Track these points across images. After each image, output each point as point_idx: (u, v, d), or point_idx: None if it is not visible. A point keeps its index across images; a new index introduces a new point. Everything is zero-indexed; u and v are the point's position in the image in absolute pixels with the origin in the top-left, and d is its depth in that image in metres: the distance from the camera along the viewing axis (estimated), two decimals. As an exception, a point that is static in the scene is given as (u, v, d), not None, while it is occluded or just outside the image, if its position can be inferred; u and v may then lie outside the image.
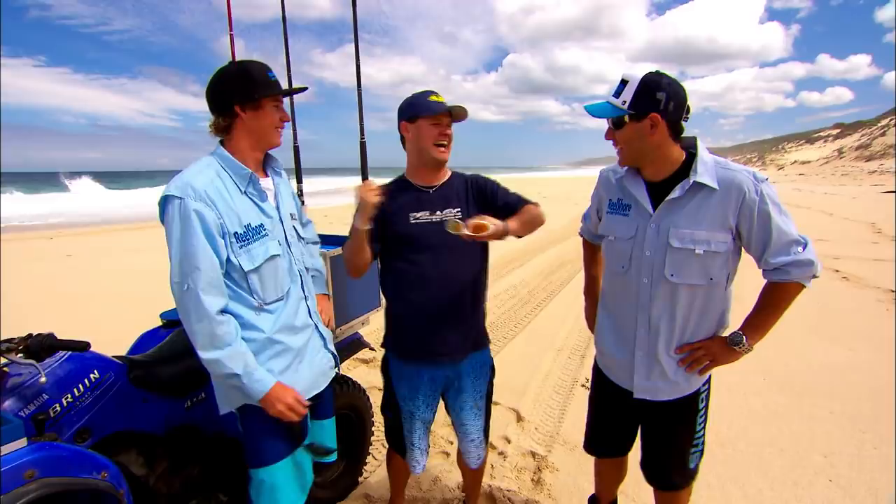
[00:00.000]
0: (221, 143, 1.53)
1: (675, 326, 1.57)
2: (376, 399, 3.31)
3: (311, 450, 1.65)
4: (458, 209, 1.83)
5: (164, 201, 1.39)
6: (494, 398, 2.15)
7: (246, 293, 1.48)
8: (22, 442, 1.20)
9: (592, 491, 2.16)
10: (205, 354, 1.39)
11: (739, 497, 2.43)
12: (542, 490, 2.49)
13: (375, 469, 2.65)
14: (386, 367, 2.01)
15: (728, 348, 1.54)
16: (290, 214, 1.67)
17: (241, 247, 1.45)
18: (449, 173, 1.91)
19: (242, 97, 1.46)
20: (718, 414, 3.18)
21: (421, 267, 1.80)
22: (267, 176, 1.63)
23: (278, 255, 1.54)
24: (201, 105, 1.54)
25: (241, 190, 1.49)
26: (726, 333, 1.58)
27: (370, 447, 2.61)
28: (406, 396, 1.93)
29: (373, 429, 2.57)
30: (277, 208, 1.60)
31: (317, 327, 1.69)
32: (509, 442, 2.91)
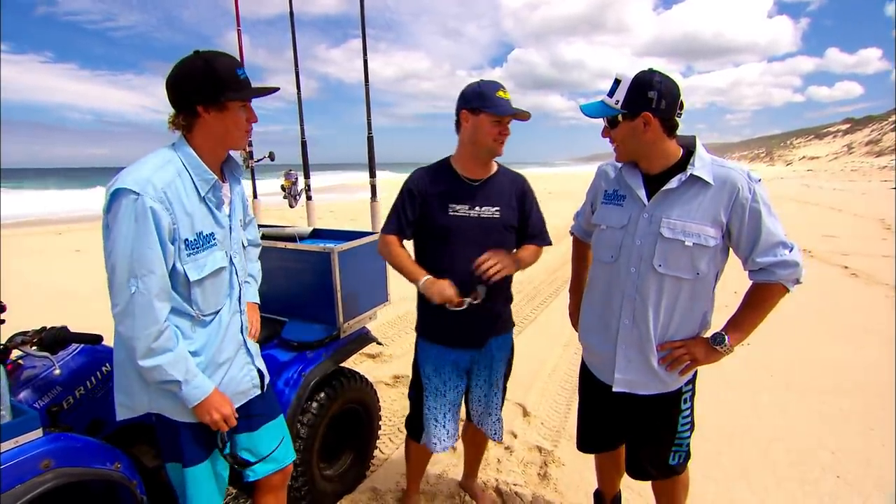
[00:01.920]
0: (184, 136, 1.41)
1: (659, 319, 1.57)
2: (383, 394, 3.34)
3: (234, 462, 1.57)
4: (498, 208, 1.87)
5: (117, 194, 1.25)
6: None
7: (185, 303, 1.38)
8: (38, 432, 1.22)
9: (598, 485, 2.17)
10: (145, 362, 1.28)
11: (746, 493, 2.43)
12: (549, 484, 2.50)
13: (382, 463, 2.66)
14: (416, 348, 2.06)
15: (710, 348, 1.56)
16: (239, 221, 1.59)
17: (189, 255, 1.35)
18: (496, 167, 1.93)
19: (206, 98, 1.34)
20: (725, 410, 3.17)
21: (453, 259, 1.83)
22: (225, 181, 1.53)
23: (224, 267, 1.46)
24: (170, 110, 1.39)
25: (199, 195, 1.39)
26: (708, 334, 1.60)
27: (377, 441, 2.63)
28: (430, 375, 1.97)
29: (380, 423, 2.58)
30: (230, 216, 1.52)
31: (245, 343, 1.58)
32: (516, 437, 2.92)
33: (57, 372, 1.43)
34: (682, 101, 1.49)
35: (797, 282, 1.48)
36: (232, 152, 1.55)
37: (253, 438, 1.64)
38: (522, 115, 1.79)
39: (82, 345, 1.59)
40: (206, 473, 1.52)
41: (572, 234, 2.01)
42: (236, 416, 1.49)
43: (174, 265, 1.33)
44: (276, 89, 1.51)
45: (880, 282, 6.17)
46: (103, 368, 1.62)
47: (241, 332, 1.57)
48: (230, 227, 1.51)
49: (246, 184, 1.77)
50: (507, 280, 1.98)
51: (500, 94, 1.75)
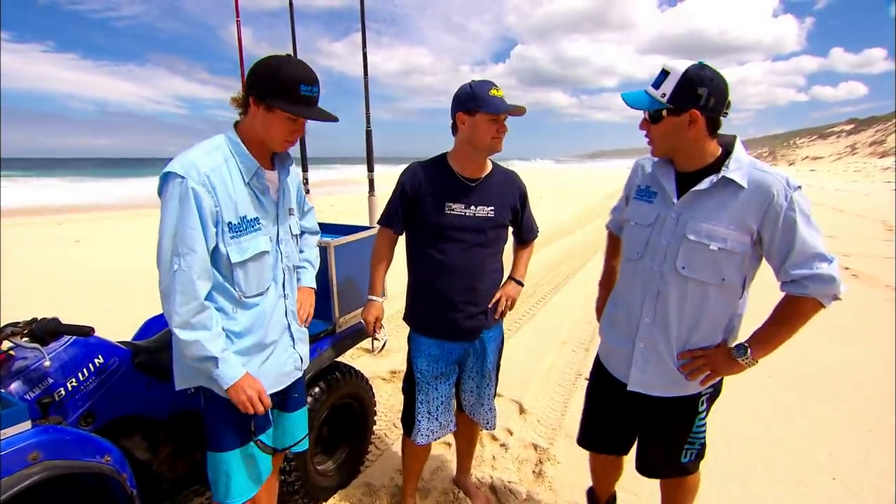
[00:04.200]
0: (236, 124, 1.49)
1: (682, 322, 1.53)
2: (379, 389, 3.33)
3: (262, 449, 1.62)
4: (493, 208, 1.90)
5: (166, 177, 1.35)
6: (497, 390, 2.20)
7: (228, 284, 1.45)
8: (26, 424, 1.21)
9: (592, 484, 2.14)
10: (185, 335, 1.35)
11: (742, 494, 2.42)
12: (544, 482, 2.49)
13: (377, 458, 2.66)
14: (409, 341, 2.08)
15: (730, 359, 1.50)
16: (290, 210, 1.64)
17: (232, 237, 1.41)
18: (490, 166, 1.95)
19: (258, 93, 1.40)
20: (722, 411, 3.14)
21: (447, 256, 1.87)
22: (274, 168, 1.58)
23: (267, 251, 1.51)
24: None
25: (244, 180, 1.45)
26: (734, 343, 1.54)
27: (373, 436, 2.62)
28: (423, 368, 1.99)
29: (375, 418, 2.57)
30: (277, 204, 1.57)
31: (289, 327, 1.65)
32: (511, 434, 2.91)
33: (47, 363, 1.42)
34: (729, 101, 1.42)
35: (835, 298, 1.39)
36: None
37: (286, 419, 1.73)
38: (517, 111, 1.79)
39: (74, 337, 1.57)
40: (251, 454, 1.58)
41: (608, 228, 1.98)
42: (267, 403, 1.52)
43: (217, 246, 1.40)
44: (335, 119, 1.49)
45: (881, 283, 6.15)
46: (96, 360, 1.61)
47: (286, 317, 1.63)
48: (277, 214, 1.56)
49: None
50: (500, 275, 2.03)
51: (493, 92, 1.76)
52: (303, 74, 1.41)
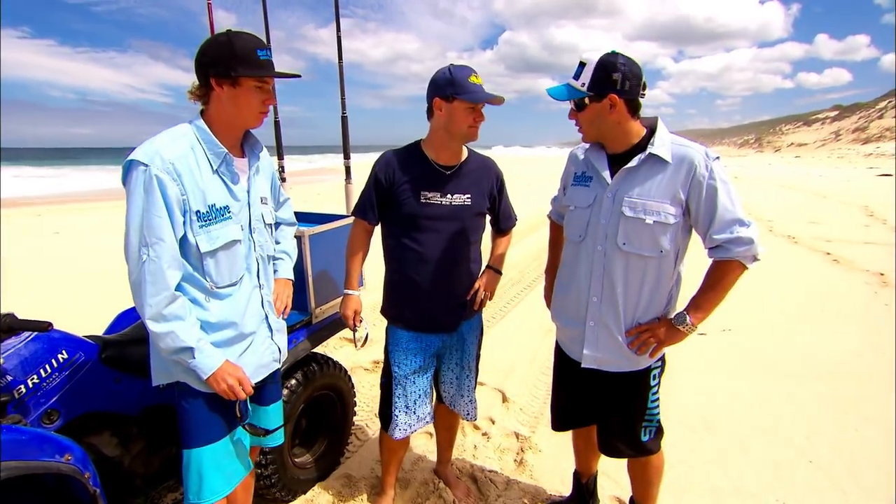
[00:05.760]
0: (202, 112, 1.45)
1: (628, 297, 1.61)
2: (362, 379, 3.31)
3: (251, 432, 1.61)
4: (469, 195, 1.88)
5: (129, 165, 1.31)
6: (480, 379, 2.20)
7: (199, 274, 1.41)
8: (-22, 424, 1.16)
9: (576, 466, 2.18)
10: (158, 327, 1.32)
11: (721, 477, 2.44)
12: (525, 471, 2.50)
13: (357, 449, 2.64)
14: (386, 335, 2.05)
15: (673, 329, 1.59)
16: (262, 199, 1.59)
17: (201, 226, 1.38)
18: (466, 153, 1.92)
19: (219, 71, 1.37)
20: (704, 395, 3.19)
21: (423, 246, 1.84)
22: (244, 156, 1.54)
23: (238, 240, 1.48)
24: (193, 80, 1.44)
25: (212, 168, 1.41)
26: (673, 314, 1.63)
27: (353, 427, 2.60)
28: (401, 361, 1.96)
29: (355, 409, 2.55)
30: (248, 191, 1.52)
31: (267, 318, 1.62)
32: (494, 423, 2.91)
33: (0, 360, 1.37)
34: (644, 82, 1.52)
35: (755, 259, 1.50)
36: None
37: (261, 412, 1.70)
38: (496, 101, 1.76)
39: (36, 332, 1.52)
40: (225, 451, 1.54)
41: (549, 217, 2.04)
42: (249, 390, 1.49)
43: (185, 235, 1.36)
44: (298, 76, 1.53)
45: (860, 268, 6.23)
46: (59, 356, 1.56)
47: (263, 307, 1.60)
48: (248, 202, 1.52)
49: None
50: (478, 265, 2.01)
51: (473, 79, 1.72)
52: (255, 42, 1.41)
